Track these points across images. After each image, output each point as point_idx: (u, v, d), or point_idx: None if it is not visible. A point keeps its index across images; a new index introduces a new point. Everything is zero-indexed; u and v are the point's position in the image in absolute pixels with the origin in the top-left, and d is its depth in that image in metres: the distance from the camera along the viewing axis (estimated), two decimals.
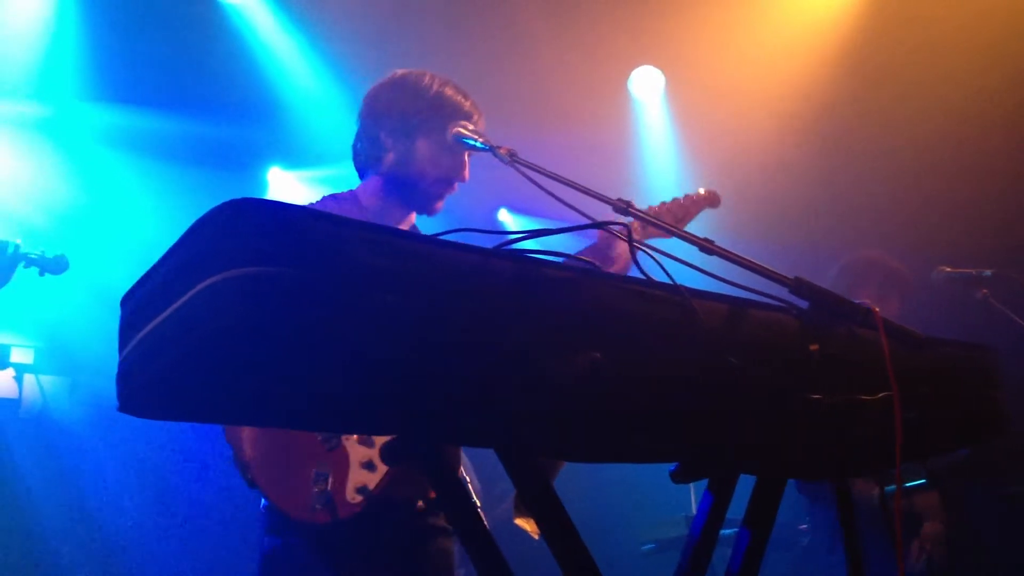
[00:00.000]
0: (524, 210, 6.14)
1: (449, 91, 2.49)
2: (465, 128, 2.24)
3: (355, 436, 2.19)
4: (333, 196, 2.55)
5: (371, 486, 2.12)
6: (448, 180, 2.48)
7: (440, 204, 2.52)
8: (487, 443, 1.47)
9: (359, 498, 2.13)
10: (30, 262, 3.60)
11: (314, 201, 2.54)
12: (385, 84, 2.54)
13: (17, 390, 4.94)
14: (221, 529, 4.85)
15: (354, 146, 2.55)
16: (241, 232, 1.08)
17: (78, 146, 5.15)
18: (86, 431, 4.85)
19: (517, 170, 1.84)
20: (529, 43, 5.23)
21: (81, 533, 4.69)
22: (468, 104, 2.48)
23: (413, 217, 2.56)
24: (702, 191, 2.62)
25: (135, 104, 5.10)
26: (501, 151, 1.97)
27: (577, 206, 1.65)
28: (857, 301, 1.42)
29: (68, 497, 4.71)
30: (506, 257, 1.22)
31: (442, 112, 2.44)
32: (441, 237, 1.26)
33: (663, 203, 2.60)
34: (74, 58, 4.84)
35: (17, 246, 3.53)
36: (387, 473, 2.12)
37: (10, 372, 4.92)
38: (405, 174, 2.48)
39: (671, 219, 2.54)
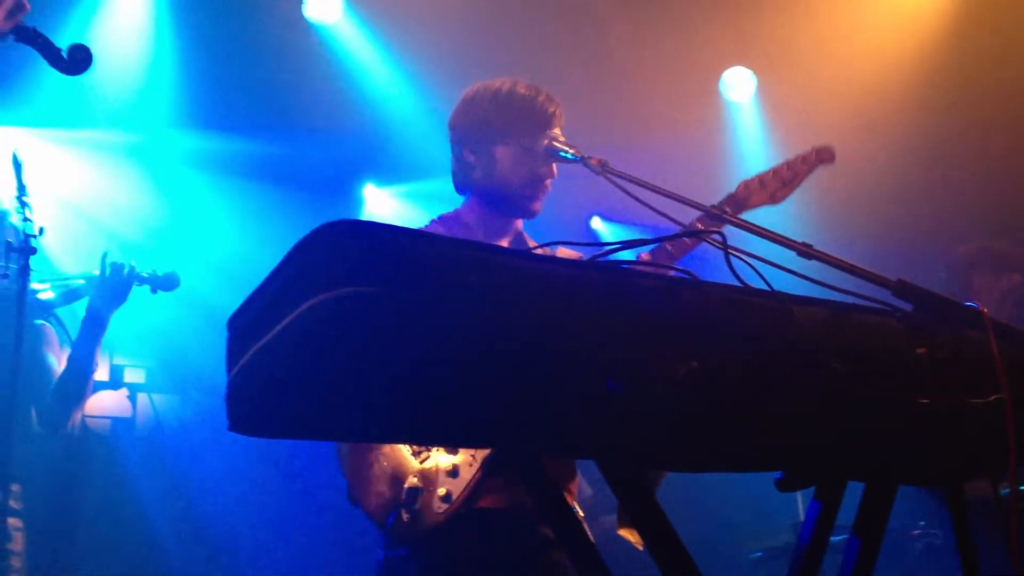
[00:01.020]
0: (617, 218, 6.11)
1: (520, 90, 2.50)
2: (555, 140, 2.25)
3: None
4: (440, 218, 2.59)
5: (455, 494, 2.15)
6: (535, 181, 2.47)
7: (537, 205, 2.51)
8: (587, 454, 1.47)
9: (443, 507, 2.16)
10: (142, 280, 3.72)
11: (423, 225, 2.58)
12: (460, 104, 2.58)
13: (131, 409, 5.10)
14: (324, 542, 4.96)
15: (452, 170, 2.60)
16: (340, 253, 1.10)
17: (178, 170, 5.30)
18: (197, 447, 5.00)
19: (609, 180, 1.84)
20: (616, 49, 5.22)
21: (191, 540, 4.83)
22: (541, 98, 2.47)
23: (519, 224, 2.57)
24: (812, 149, 2.56)
25: (231, 129, 5.24)
26: (592, 161, 1.98)
27: (671, 213, 1.64)
28: (967, 302, 1.39)
29: (180, 508, 4.86)
30: (600, 269, 1.22)
31: (513, 114, 2.45)
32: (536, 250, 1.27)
33: (771, 168, 2.55)
34: (171, 86, 4.98)
35: (132, 267, 3.65)
36: (471, 481, 2.14)
37: (124, 392, 5.09)
38: (493, 185, 2.50)
39: (779, 183, 2.50)
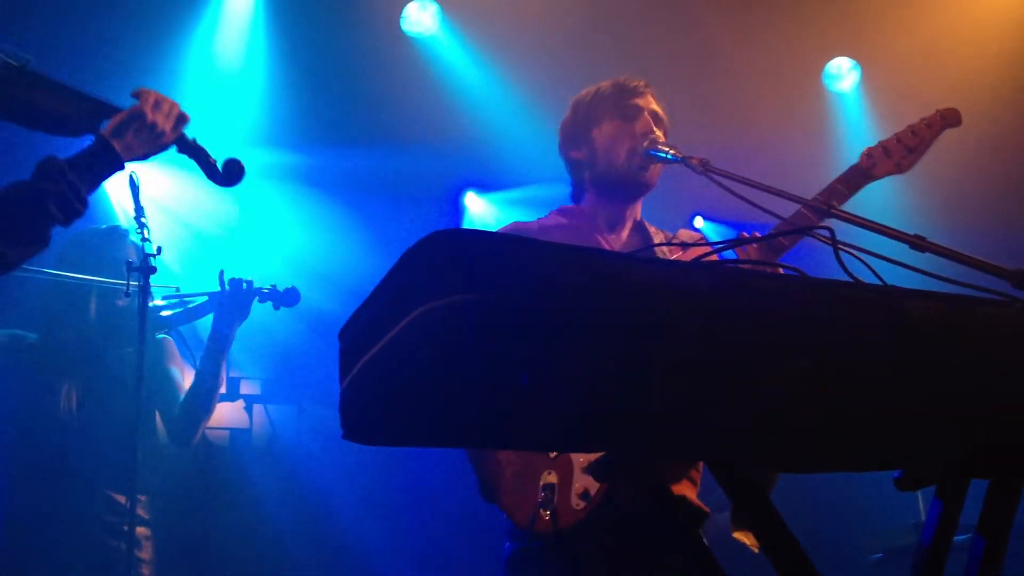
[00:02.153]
0: (720, 217, 6.04)
1: (609, 80, 2.55)
2: (656, 141, 2.24)
3: None
4: (561, 209, 2.63)
5: (593, 491, 2.14)
6: (638, 147, 2.46)
7: (648, 175, 2.50)
8: (699, 456, 1.46)
9: (582, 504, 2.14)
10: (264, 297, 3.80)
11: (545, 215, 2.62)
12: (565, 115, 2.62)
13: (248, 420, 5.25)
14: (442, 542, 5.02)
15: (571, 184, 2.63)
16: (446, 262, 1.12)
17: (286, 186, 5.45)
18: (313, 456, 5.12)
19: (711, 179, 1.82)
20: (717, 47, 5.16)
21: (310, 546, 4.94)
22: (625, 76, 2.52)
23: (638, 211, 2.58)
24: (936, 112, 2.48)
25: (335, 144, 5.35)
26: (693, 161, 1.96)
27: (777, 210, 1.62)
28: None
29: (297, 515, 4.97)
30: (706, 269, 1.21)
31: (601, 96, 2.49)
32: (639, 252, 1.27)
33: (894, 135, 2.48)
34: (273, 103, 5.11)
35: (250, 283, 3.75)
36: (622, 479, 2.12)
37: (240, 403, 5.23)
38: (601, 171, 2.53)
39: (904, 150, 2.43)
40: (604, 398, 1.19)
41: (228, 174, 2.38)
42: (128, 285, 3.20)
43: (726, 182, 1.76)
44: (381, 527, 5.11)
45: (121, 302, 3.58)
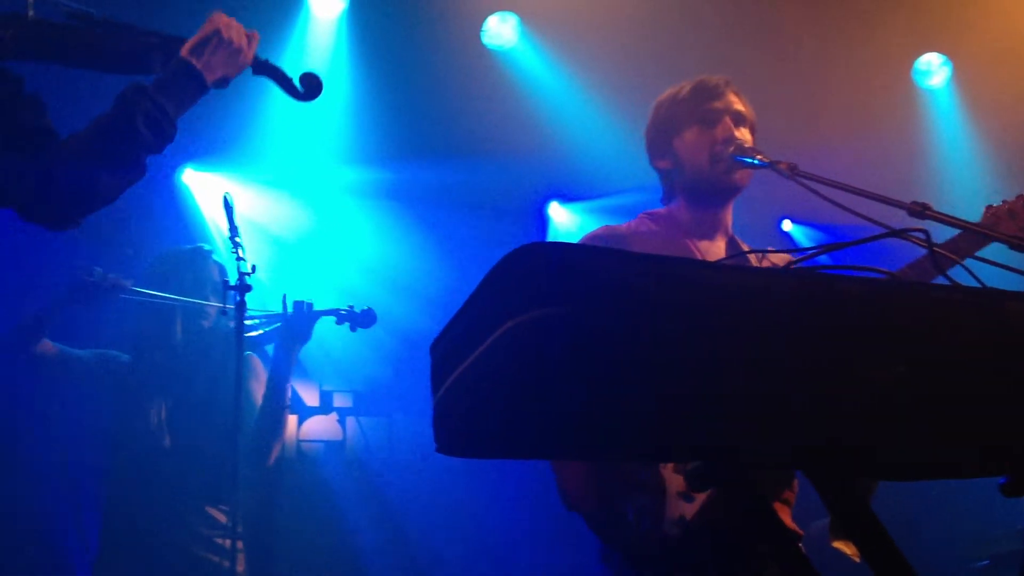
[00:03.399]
0: (809, 220, 5.93)
1: (689, 81, 2.51)
2: (741, 146, 2.22)
3: (670, 464, 2.18)
4: (649, 214, 2.60)
5: (688, 516, 2.10)
6: (720, 152, 2.42)
7: (736, 177, 2.45)
8: (795, 465, 1.43)
9: (677, 529, 2.11)
10: (341, 318, 3.84)
11: (631, 220, 2.60)
12: (648, 120, 2.59)
13: (341, 432, 5.33)
14: (535, 555, 5.02)
15: (662, 194, 2.61)
16: (533, 275, 1.13)
17: (370, 202, 5.53)
18: (405, 466, 5.17)
19: (799, 183, 1.80)
20: (802, 48, 5.07)
21: (403, 558, 4.99)
22: (705, 76, 2.47)
23: (729, 215, 2.54)
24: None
25: (419, 158, 5.40)
26: (781, 166, 1.94)
27: (868, 213, 1.59)
28: None
29: (391, 525, 5.03)
30: (795, 275, 1.19)
31: (681, 101, 2.46)
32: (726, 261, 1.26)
33: (1021, 195, 2.35)
34: (356, 120, 5.18)
35: (310, 305, 3.78)
36: (705, 500, 2.09)
37: (333, 416, 5.32)
38: (688, 178, 2.49)
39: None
40: (695, 408, 1.18)
41: (308, 88, 2.34)
42: (224, 304, 3.28)
43: (815, 186, 1.73)
44: (473, 538, 5.13)
45: (206, 322, 3.68)
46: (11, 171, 2.00)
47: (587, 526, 2.30)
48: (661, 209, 2.61)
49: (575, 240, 2.96)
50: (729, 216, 2.57)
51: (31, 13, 1.99)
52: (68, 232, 2.14)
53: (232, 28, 2.19)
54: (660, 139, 2.55)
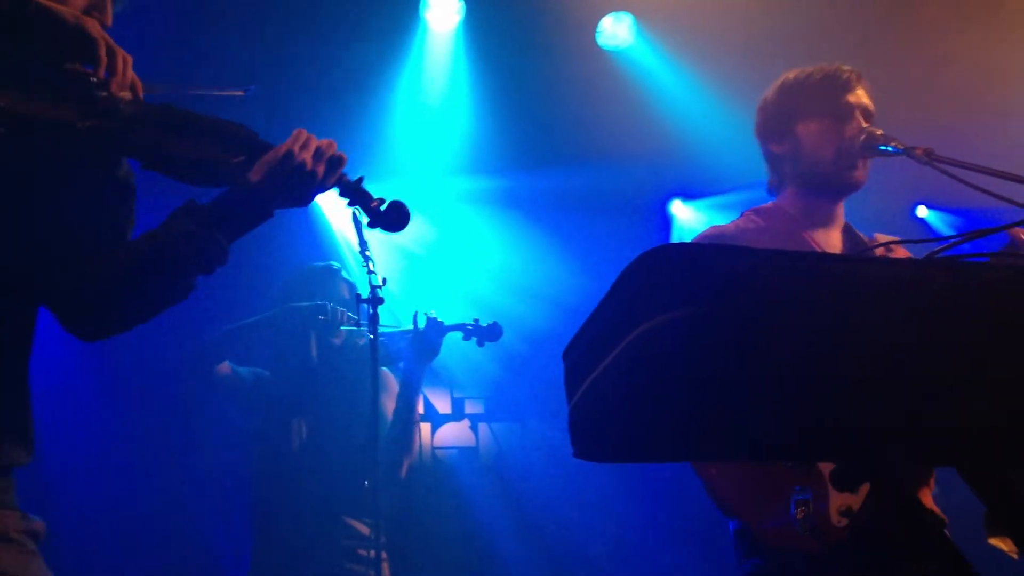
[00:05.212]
0: (946, 206, 5.71)
1: (815, 66, 2.43)
2: (874, 135, 2.15)
3: None
4: (755, 210, 2.53)
5: (855, 507, 2.05)
6: (847, 148, 2.35)
7: (856, 173, 2.38)
8: (943, 461, 1.39)
9: (844, 521, 2.05)
10: (468, 333, 3.88)
11: (735, 219, 2.54)
12: (766, 97, 2.52)
13: (474, 439, 5.40)
14: (665, 556, 4.98)
15: (767, 179, 2.56)
16: (663, 278, 1.12)
17: (494, 210, 5.58)
18: (538, 470, 5.20)
19: (937, 168, 1.74)
20: (929, 32, 4.89)
21: (543, 563, 5.02)
22: (835, 66, 2.38)
23: (841, 211, 2.47)
24: None
25: (541, 164, 5.43)
26: (917, 152, 1.87)
27: (1012, 196, 1.52)
28: None
29: (526, 529, 5.06)
30: (937, 266, 1.16)
31: (809, 86, 2.38)
32: (868, 252, 1.23)
33: None
34: (479, 130, 5.25)
35: (441, 322, 3.83)
36: (871, 491, 2.03)
37: (466, 423, 5.39)
38: (804, 168, 2.42)
39: None
40: (832, 405, 1.16)
41: (393, 219, 2.08)
42: (358, 317, 3.36)
43: (953, 170, 1.67)
44: (608, 540, 5.13)
45: (337, 340, 3.78)
46: (61, 281, 1.89)
47: (745, 531, 2.25)
48: (767, 204, 2.54)
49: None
50: (841, 207, 2.49)
51: (123, 106, 1.82)
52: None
53: (308, 150, 1.93)
54: (780, 121, 2.47)
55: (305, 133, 1.95)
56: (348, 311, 3.73)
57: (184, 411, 4.33)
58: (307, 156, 1.92)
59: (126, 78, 1.79)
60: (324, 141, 1.96)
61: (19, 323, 1.87)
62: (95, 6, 1.87)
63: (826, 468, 2.08)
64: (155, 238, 1.90)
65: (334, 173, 1.98)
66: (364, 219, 2.10)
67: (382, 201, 2.07)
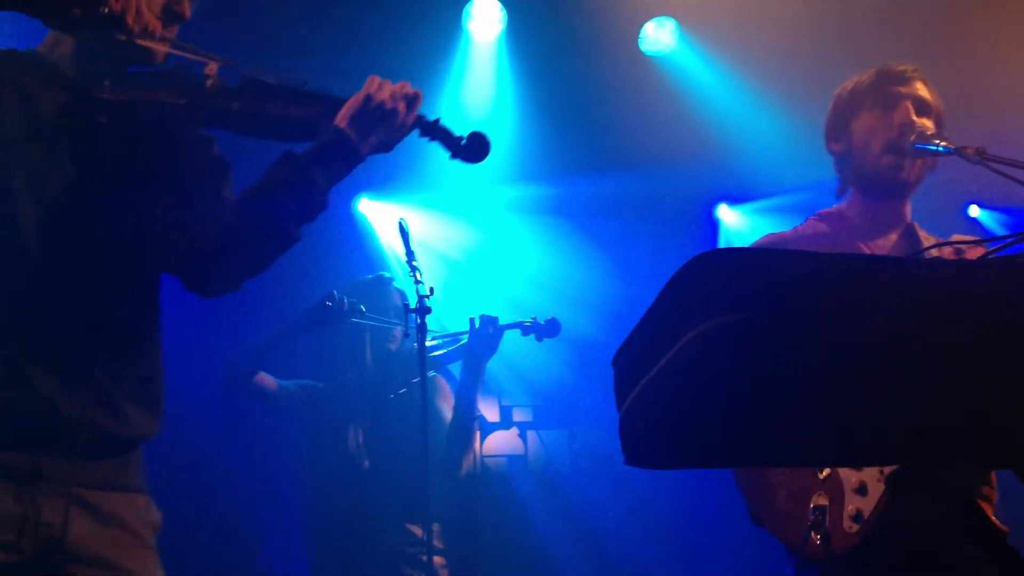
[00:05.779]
0: (999, 205, 5.62)
1: (872, 68, 2.42)
2: (923, 134, 2.13)
3: None
4: (819, 215, 2.53)
5: (866, 513, 2.04)
6: (895, 142, 2.33)
7: (905, 173, 2.36)
8: (1003, 464, 1.37)
9: (855, 526, 2.05)
10: (527, 330, 3.92)
11: (801, 223, 2.54)
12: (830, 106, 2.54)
13: (523, 446, 5.40)
14: (714, 565, 4.95)
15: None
16: (713, 283, 1.12)
17: (540, 218, 5.59)
18: (587, 477, 5.19)
19: (990, 168, 1.71)
20: (976, 32, 4.81)
21: (588, 566, 5.01)
22: (890, 62, 2.38)
23: (907, 211, 2.45)
24: None
25: (578, 172, 5.43)
26: (968, 151, 1.85)
27: None
28: None
29: (576, 536, 5.06)
30: (991, 267, 1.14)
31: (863, 84, 2.38)
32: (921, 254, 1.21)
33: None
34: (523, 139, 5.25)
35: (496, 320, 3.87)
36: (882, 496, 2.02)
37: (514, 431, 5.40)
38: (859, 165, 2.41)
39: None
40: (888, 408, 1.15)
41: (474, 150, 2.20)
42: (405, 326, 3.39)
43: (1007, 169, 1.65)
44: (656, 547, 5.10)
45: (392, 345, 3.82)
46: (181, 246, 2.05)
47: (776, 537, 2.26)
48: (832, 208, 2.53)
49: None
50: (905, 208, 2.46)
51: (210, 83, 2.00)
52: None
53: (384, 91, 2.07)
54: (838, 121, 2.49)
55: (379, 78, 2.08)
56: (396, 319, 3.77)
57: (230, 418, 4.38)
58: (384, 96, 2.05)
59: (141, 16, 1.89)
60: (398, 83, 2.09)
61: (147, 291, 2.04)
62: (173, 1, 1.99)
63: (844, 474, 2.08)
64: (257, 189, 2.04)
65: (412, 109, 2.10)
66: (447, 153, 2.21)
67: (461, 137, 2.20)
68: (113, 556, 1.87)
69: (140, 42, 1.91)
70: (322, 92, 2.13)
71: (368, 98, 2.05)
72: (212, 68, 2.01)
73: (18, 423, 1.80)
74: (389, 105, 2.05)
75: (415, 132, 2.17)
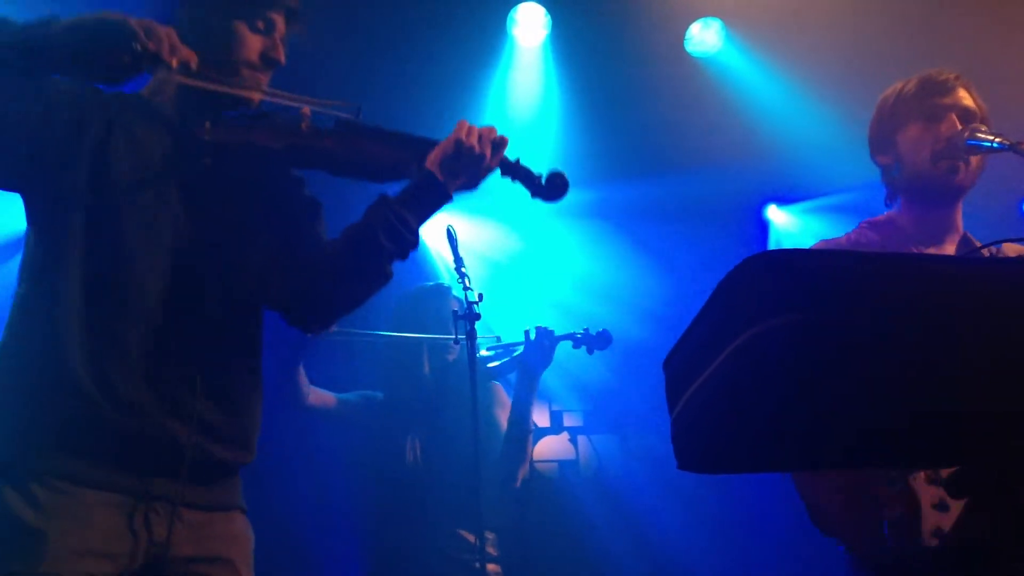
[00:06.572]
0: None
1: (916, 75, 2.39)
2: (976, 130, 2.10)
3: (922, 475, 2.08)
4: (869, 222, 2.51)
5: (946, 528, 2.01)
6: (943, 149, 2.32)
7: (956, 176, 2.34)
8: None
9: (934, 542, 2.02)
10: (577, 342, 3.94)
11: (851, 231, 2.52)
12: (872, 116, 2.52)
13: (574, 451, 5.39)
14: (771, 568, 4.90)
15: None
16: (764, 286, 1.11)
17: (589, 223, 5.57)
18: (640, 482, 5.17)
19: None
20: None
21: (643, 570, 4.99)
22: (934, 71, 2.35)
23: (959, 220, 2.42)
24: None
25: (625, 176, 5.41)
26: (1022, 147, 1.82)
27: None
28: None
29: (630, 540, 5.04)
30: None
31: (906, 95, 2.35)
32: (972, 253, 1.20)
33: None
34: (561, 146, 5.24)
35: (551, 331, 3.88)
36: (961, 512, 1.99)
37: (565, 436, 5.39)
38: (908, 176, 2.39)
39: None
40: (943, 408, 1.13)
41: (554, 188, 2.30)
42: (456, 335, 3.40)
43: None
44: (711, 553, 5.06)
45: (451, 356, 3.84)
46: (286, 283, 2.16)
47: (843, 548, 2.23)
48: (881, 216, 2.51)
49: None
50: (958, 215, 2.43)
51: (304, 124, 2.10)
52: None
53: (473, 136, 2.18)
54: (882, 133, 2.48)
55: (467, 123, 2.20)
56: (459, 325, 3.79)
57: (286, 424, 4.42)
58: (474, 141, 2.17)
59: (176, 49, 1.96)
60: (485, 128, 2.21)
61: (252, 328, 2.15)
62: (269, 48, 2.13)
63: (921, 488, 2.04)
64: (358, 230, 2.16)
65: (498, 153, 2.23)
66: (527, 192, 2.30)
67: (540, 176, 2.29)
68: (212, 572, 2.00)
69: (235, 91, 2.03)
70: (410, 134, 2.23)
71: (458, 143, 2.16)
72: (306, 110, 2.11)
73: (134, 447, 1.92)
74: (478, 151, 2.17)
75: (497, 172, 2.28)
